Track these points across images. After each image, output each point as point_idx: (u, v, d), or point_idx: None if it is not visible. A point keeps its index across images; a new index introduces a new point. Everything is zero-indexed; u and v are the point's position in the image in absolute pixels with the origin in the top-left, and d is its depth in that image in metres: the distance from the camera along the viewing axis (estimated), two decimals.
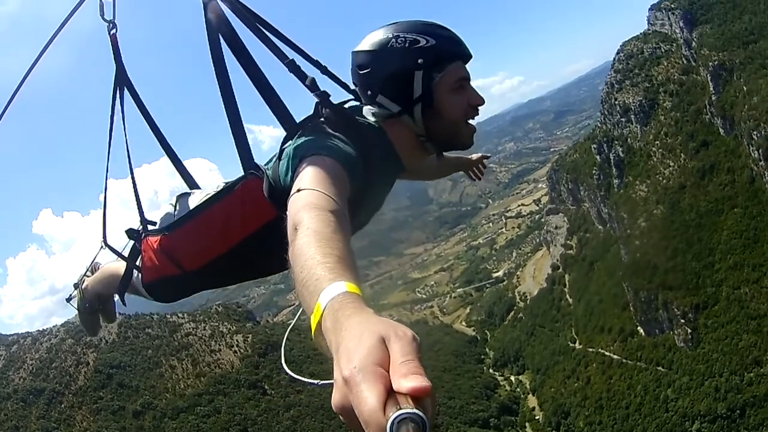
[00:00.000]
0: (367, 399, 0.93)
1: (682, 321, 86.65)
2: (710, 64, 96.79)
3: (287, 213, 1.78)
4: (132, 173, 3.18)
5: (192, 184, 3.54)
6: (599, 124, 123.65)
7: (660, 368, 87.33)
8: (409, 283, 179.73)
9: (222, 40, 2.55)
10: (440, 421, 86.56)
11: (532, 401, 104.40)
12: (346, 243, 1.54)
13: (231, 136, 2.51)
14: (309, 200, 1.73)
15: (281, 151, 2.35)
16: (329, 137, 2.22)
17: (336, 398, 1.03)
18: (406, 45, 2.29)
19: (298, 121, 2.50)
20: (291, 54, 2.64)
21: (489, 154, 4.05)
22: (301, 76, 2.52)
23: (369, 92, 2.40)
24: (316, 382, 1.97)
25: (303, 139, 2.23)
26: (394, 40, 2.31)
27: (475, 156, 3.80)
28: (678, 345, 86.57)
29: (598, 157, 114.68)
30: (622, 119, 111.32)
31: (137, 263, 3.10)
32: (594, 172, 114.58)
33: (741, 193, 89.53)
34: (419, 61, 2.28)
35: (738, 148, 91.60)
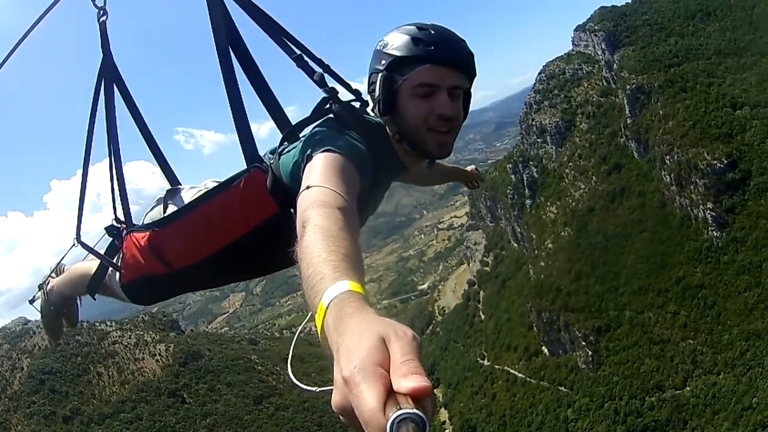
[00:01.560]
0: (367, 399, 0.91)
1: (583, 343, 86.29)
2: (628, 86, 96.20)
3: (296, 210, 1.75)
4: (119, 169, 3.06)
5: (174, 181, 3.30)
6: (518, 144, 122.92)
7: (562, 388, 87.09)
8: None
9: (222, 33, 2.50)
10: None
11: (444, 415, 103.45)
12: (353, 241, 1.52)
13: (234, 129, 2.44)
14: (318, 197, 1.71)
15: (281, 147, 2.39)
16: (339, 133, 2.19)
17: (336, 398, 1.01)
18: (380, 48, 2.31)
19: (299, 120, 2.49)
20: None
21: (483, 177, 4.07)
22: (309, 71, 2.50)
23: (368, 90, 2.42)
24: (315, 389, 1.95)
25: (313, 134, 2.22)
26: (380, 41, 2.32)
27: (469, 168, 3.84)
28: (580, 366, 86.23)
29: (513, 176, 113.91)
30: (539, 140, 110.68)
31: (115, 262, 2.95)
32: (509, 191, 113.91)
33: (650, 218, 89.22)
34: (382, 62, 2.28)
35: (651, 171, 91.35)
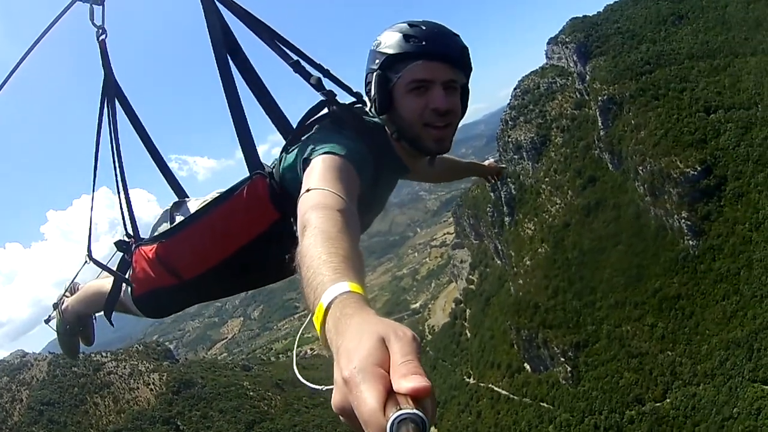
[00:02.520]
0: (367, 399, 0.91)
1: (562, 359, 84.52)
2: (599, 98, 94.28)
3: (297, 213, 1.74)
4: (124, 184, 3.06)
5: (182, 194, 3.31)
6: (497, 161, 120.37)
7: (543, 404, 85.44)
8: None
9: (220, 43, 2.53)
10: None
11: None
12: (353, 242, 1.52)
13: (237, 139, 2.44)
14: (318, 200, 1.71)
15: (284, 152, 2.38)
16: (338, 135, 2.18)
17: (336, 399, 1.01)
18: (374, 47, 2.30)
19: (298, 121, 2.47)
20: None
21: (504, 165, 3.91)
22: (305, 76, 2.50)
23: (365, 91, 2.41)
24: (320, 387, 1.85)
25: (312, 137, 2.22)
26: (375, 41, 2.31)
27: (486, 162, 3.76)
28: (561, 382, 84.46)
29: (492, 194, 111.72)
30: (515, 156, 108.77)
31: (127, 277, 2.94)
32: (488, 209, 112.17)
33: (626, 230, 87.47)
34: (376, 61, 2.26)
35: (625, 183, 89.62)
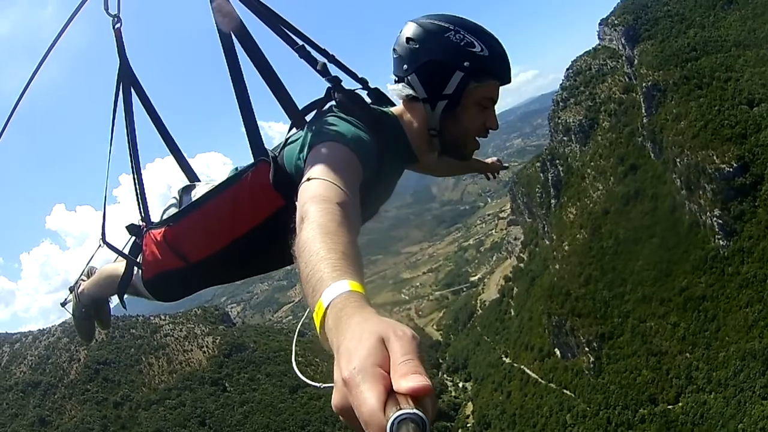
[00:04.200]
0: (367, 400, 0.90)
1: (587, 349, 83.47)
2: (644, 84, 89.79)
3: (296, 202, 1.72)
4: (137, 169, 3.07)
5: (194, 178, 3.40)
6: (550, 142, 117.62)
7: (566, 392, 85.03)
8: (399, 283, 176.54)
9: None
10: None
11: (470, 408, 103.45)
12: (352, 237, 1.47)
13: (242, 125, 2.43)
14: (318, 191, 1.67)
15: (288, 137, 2.38)
16: (342, 123, 2.16)
17: (336, 399, 0.99)
18: (462, 43, 2.21)
19: (302, 107, 2.49)
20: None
21: (507, 165, 4.06)
22: (311, 61, 2.52)
23: (405, 66, 2.30)
24: (319, 385, 2.02)
25: (315, 124, 2.20)
26: (453, 32, 2.22)
27: (489, 159, 3.79)
28: (584, 372, 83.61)
29: (542, 175, 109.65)
30: (564, 138, 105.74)
31: (138, 260, 2.97)
32: (537, 189, 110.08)
33: (661, 223, 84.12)
34: (465, 63, 2.21)
35: (665, 174, 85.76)
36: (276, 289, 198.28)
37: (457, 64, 2.19)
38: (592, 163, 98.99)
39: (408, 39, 2.26)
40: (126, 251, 3.03)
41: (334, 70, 2.53)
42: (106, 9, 2.92)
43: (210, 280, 2.86)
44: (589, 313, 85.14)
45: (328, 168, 1.78)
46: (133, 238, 2.99)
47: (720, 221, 75.04)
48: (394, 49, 2.35)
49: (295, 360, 2.80)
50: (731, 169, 74.86)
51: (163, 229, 2.73)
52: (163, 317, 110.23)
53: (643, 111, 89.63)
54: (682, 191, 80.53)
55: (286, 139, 2.36)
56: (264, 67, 2.45)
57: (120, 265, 3.13)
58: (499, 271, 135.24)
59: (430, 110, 2.27)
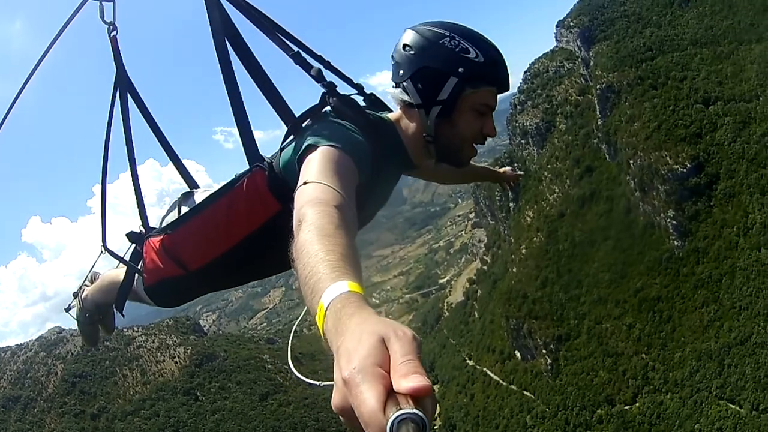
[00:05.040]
0: (367, 400, 0.89)
1: (544, 351, 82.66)
2: (599, 85, 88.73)
3: (293, 206, 1.70)
4: (135, 175, 3.03)
5: (192, 184, 3.34)
6: (508, 145, 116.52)
7: (526, 393, 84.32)
8: (369, 288, 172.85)
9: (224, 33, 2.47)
10: (344, 428, 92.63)
11: (437, 411, 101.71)
12: (350, 239, 1.48)
13: (237, 132, 2.39)
14: (314, 194, 1.66)
15: (284, 143, 2.32)
16: (338, 127, 2.12)
17: (336, 399, 0.98)
18: (457, 49, 2.14)
19: (298, 114, 2.38)
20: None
21: (521, 173, 3.92)
22: (306, 67, 2.44)
23: (401, 72, 2.22)
24: (318, 383, 2.01)
25: (311, 129, 2.14)
26: (449, 38, 2.15)
27: (507, 171, 3.68)
28: (543, 373, 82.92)
29: None
30: (522, 141, 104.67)
31: (139, 267, 2.92)
32: (497, 193, 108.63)
33: (616, 224, 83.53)
34: (459, 69, 2.13)
35: (619, 175, 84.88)
36: (250, 296, 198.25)
37: (451, 70, 2.14)
38: (549, 166, 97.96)
39: (405, 46, 2.22)
40: (127, 258, 3.01)
41: (329, 76, 2.47)
42: (102, 17, 2.89)
43: (211, 286, 2.84)
44: (546, 316, 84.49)
45: (324, 172, 1.78)
46: (134, 245, 2.97)
47: (674, 222, 74.27)
48: (392, 56, 2.30)
49: (292, 362, 2.87)
50: (685, 170, 74.12)
51: (162, 236, 2.71)
52: (136, 329, 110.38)
53: (598, 113, 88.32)
54: (636, 193, 79.73)
55: (282, 146, 2.31)
56: (258, 74, 2.43)
57: (122, 272, 3.08)
58: (465, 274, 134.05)
59: (424, 116, 2.23)
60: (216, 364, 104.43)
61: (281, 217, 2.05)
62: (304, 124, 2.30)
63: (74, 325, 3.69)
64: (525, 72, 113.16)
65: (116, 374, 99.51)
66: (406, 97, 2.22)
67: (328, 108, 2.31)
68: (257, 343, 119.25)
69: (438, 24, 2.19)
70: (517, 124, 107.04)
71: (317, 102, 2.36)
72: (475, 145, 2.27)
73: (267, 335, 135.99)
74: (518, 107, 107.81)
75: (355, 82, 2.58)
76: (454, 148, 2.26)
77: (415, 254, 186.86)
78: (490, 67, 2.15)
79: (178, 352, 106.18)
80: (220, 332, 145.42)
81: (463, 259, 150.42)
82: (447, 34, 2.14)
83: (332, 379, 1.00)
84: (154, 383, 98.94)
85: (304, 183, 1.71)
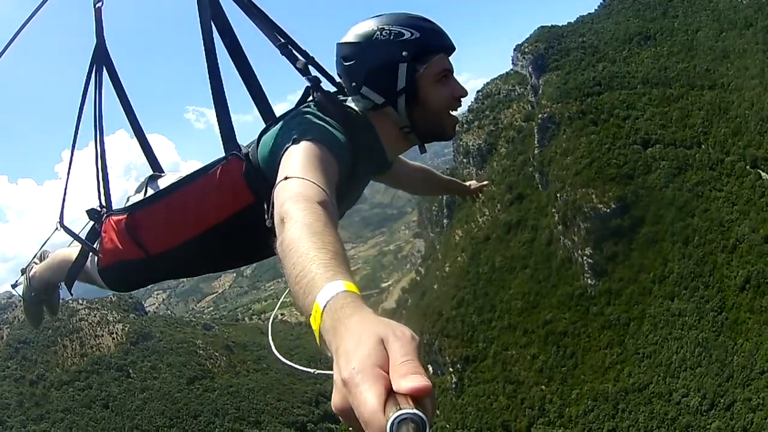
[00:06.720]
0: (367, 400, 0.86)
1: (451, 369, 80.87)
2: (540, 115, 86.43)
3: (273, 201, 1.62)
4: (102, 152, 2.85)
5: (156, 167, 3.06)
6: (452, 162, 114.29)
7: None
8: None
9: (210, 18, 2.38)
10: (262, 419, 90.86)
11: None
12: (337, 237, 1.40)
13: (216, 116, 2.31)
14: (298, 190, 1.56)
15: (262, 135, 2.18)
16: (319, 122, 2.04)
17: (336, 400, 0.95)
18: (391, 37, 2.10)
19: (285, 112, 2.28)
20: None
21: (487, 182, 3.83)
22: (292, 59, 2.35)
23: (353, 83, 2.17)
24: (312, 371, 1.91)
25: (291, 122, 2.06)
26: (379, 32, 2.11)
27: (473, 184, 3.62)
28: (448, 390, 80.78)
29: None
30: (464, 160, 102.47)
31: (95, 246, 2.73)
32: (434, 208, 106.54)
33: (536, 254, 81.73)
34: (403, 53, 2.09)
35: (548, 206, 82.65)
36: (201, 278, 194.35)
37: (396, 59, 2.08)
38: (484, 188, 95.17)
39: (343, 59, 2.17)
40: (83, 236, 2.83)
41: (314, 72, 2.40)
42: None
43: (168, 273, 2.71)
44: (457, 335, 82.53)
45: (306, 167, 1.68)
46: (92, 223, 2.79)
47: (590, 260, 72.15)
48: (338, 75, 2.28)
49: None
50: (609, 210, 71.96)
51: (124, 216, 2.50)
52: (80, 302, 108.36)
53: (536, 142, 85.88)
54: (559, 226, 77.55)
55: (260, 136, 2.17)
56: (241, 60, 2.39)
57: (75, 251, 2.92)
58: (403, 282, 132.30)
59: (394, 111, 2.15)
60: (150, 344, 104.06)
61: (253, 210, 1.97)
62: (287, 117, 2.14)
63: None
64: (478, 92, 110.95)
65: (57, 344, 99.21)
66: (367, 102, 2.14)
67: (311, 102, 2.18)
68: (194, 328, 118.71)
69: (361, 26, 2.12)
70: (461, 143, 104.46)
71: (301, 96, 2.28)
72: (455, 111, 2.19)
73: (209, 320, 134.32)
74: (465, 126, 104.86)
75: (337, 80, 2.39)
76: (436, 124, 2.18)
77: (365, 255, 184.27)
78: (429, 37, 2.09)
79: (117, 328, 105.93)
80: (160, 314, 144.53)
81: (407, 266, 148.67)
82: (375, 28, 2.08)
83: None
84: (91, 356, 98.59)
85: (286, 178, 1.61)
